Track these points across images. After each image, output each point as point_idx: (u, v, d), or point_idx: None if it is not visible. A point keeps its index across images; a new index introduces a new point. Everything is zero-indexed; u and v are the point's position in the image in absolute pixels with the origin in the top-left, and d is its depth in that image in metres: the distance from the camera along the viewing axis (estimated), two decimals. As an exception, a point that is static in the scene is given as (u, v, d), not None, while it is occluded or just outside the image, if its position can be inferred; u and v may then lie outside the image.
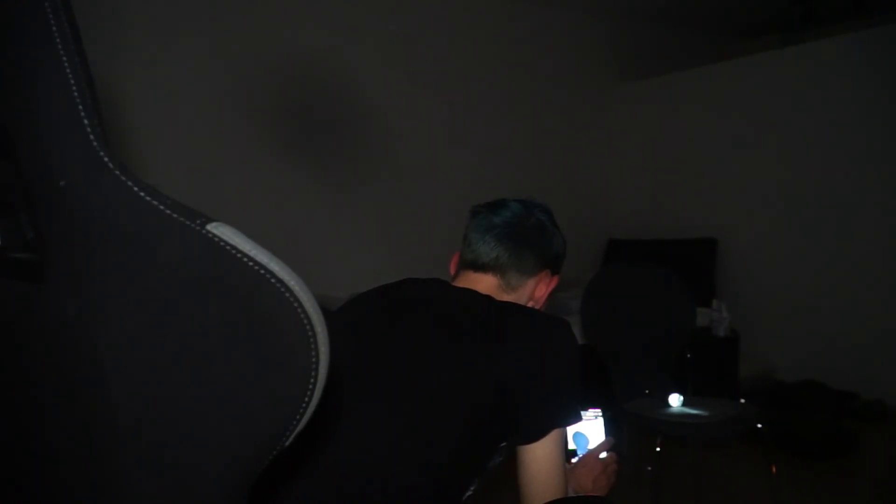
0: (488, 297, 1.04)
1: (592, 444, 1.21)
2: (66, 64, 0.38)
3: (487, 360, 0.93)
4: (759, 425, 2.13)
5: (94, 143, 0.39)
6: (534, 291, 1.13)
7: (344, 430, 0.90)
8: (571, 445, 1.21)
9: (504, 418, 0.93)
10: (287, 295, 0.40)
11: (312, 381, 0.42)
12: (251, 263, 0.40)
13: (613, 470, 1.17)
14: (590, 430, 1.22)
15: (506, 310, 1.01)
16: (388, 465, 0.89)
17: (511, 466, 1.01)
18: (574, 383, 0.97)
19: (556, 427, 0.95)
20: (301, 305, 0.41)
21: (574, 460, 1.17)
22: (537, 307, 1.14)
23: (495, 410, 0.92)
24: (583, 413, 1.20)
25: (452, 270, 1.15)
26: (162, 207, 0.40)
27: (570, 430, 1.21)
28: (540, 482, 0.95)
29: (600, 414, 1.23)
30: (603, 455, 1.18)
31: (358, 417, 0.91)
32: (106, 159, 0.39)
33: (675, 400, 2.17)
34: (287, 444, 0.45)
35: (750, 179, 4.17)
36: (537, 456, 0.94)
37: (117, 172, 0.40)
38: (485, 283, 1.08)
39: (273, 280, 0.40)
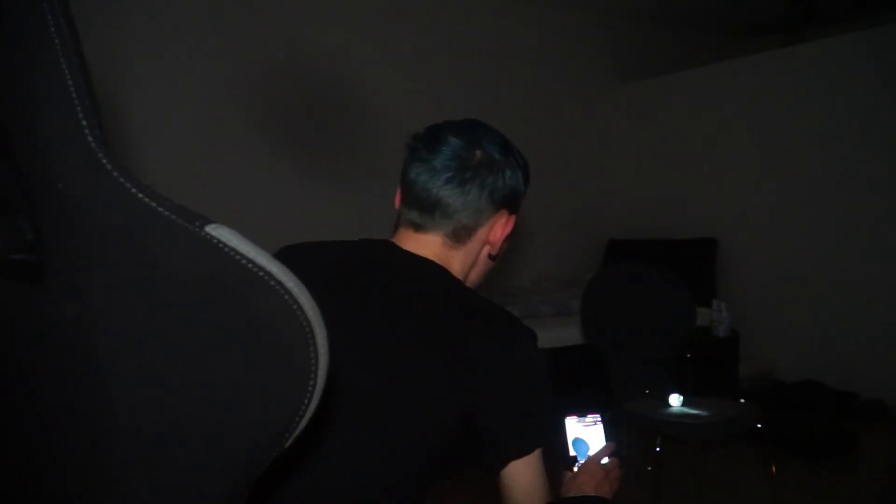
0: (444, 286, 0.92)
1: (593, 450, 1.19)
2: (64, 65, 0.38)
3: (450, 385, 0.83)
4: (759, 425, 2.13)
5: (93, 145, 0.39)
6: (488, 236, 0.98)
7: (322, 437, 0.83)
8: (572, 452, 1.19)
9: (473, 444, 0.86)
10: (286, 297, 0.40)
11: (312, 382, 0.42)
12: (250, 265, 0.39)
13: (617, 475, 1.13)
14: (589, 435, 1.19)
15: (466, 315, 0.87)
16: (354, 484, 0.84)
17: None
18: (543, 402, 0.89)
19: (533, 450, 0.89)
20: (300, 307, 0.40)
21: (575, 467, 1.16)
22: (494, 251, 1.01)
23: (461, 436, 0.85)
24: (582, 418, 1.18)
25: (397, 204, 1.01)
26: (160, 209, 0.39)
27: (570, 435, 1.19)
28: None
29: (599, 419, 1.20)
30: (605, 461, 1.14)
31: (329, 424, 0.83)
32: (104, 161, 0.39)
33: (675, 400, 2.16)
34: (287, 445, 0.45)
35: (750, 179, 4.17)
36: (517, 481, 0.90)
37: (115, 174, 0.39)
38: (430, 246, 0.96)
39: (272, 282, 0.40)
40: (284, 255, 0.97)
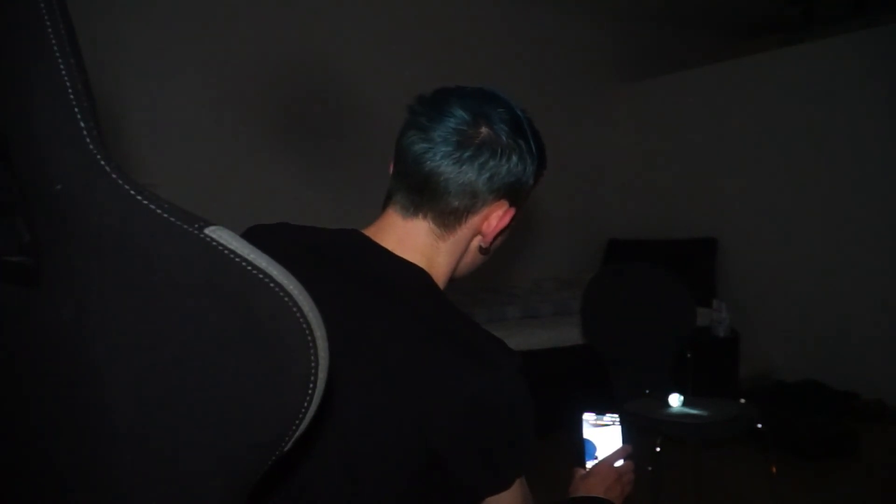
0: (418, 304, 0.81)
1: (608, 451, 1.13)
2: (62, 66, 0.38)
3: (413, 423, 0.75)
4: (759, 425, 2.13)
5: (91, 147, 0.39)
6: (480, 226, 0.88)
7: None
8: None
9: (445, 484, 0.78)
10: (286, 300, 0.40)
11: (312, 386, 0.42)
12: (250, 268, 0.39)
13: (629, 480, 1.08)
14: (601, 436, 1.14)
15: (437, 345, 0.77)
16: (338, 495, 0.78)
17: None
18: (522, 432, 0.79)
19: (511, 484, 0.80)
20: (300, 310, 0.40)
21: (589, 465, 1.13)
22: (486, 243, 0.90)
23: (431, 477, 0.77)
24: (600, 416, 1.15)
25: (392, 169, 0.93)
26: (159, 211, 0.39)
27: (585, 433, 1.17)
28: None
29: (618, 419, 1.15)
30: (619, 463, 1.10)
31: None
32: (102, 162, 0.39)
33: (675, 400, 2.16)
34: (286, 448, 0.44)
35: (750, 179, 4.17)
36: None
37: (114, 176, 0.39)
38: (415, 237, 0.87)
39: (272, 285, 0.39)
40: (255, 235, 0.89)
